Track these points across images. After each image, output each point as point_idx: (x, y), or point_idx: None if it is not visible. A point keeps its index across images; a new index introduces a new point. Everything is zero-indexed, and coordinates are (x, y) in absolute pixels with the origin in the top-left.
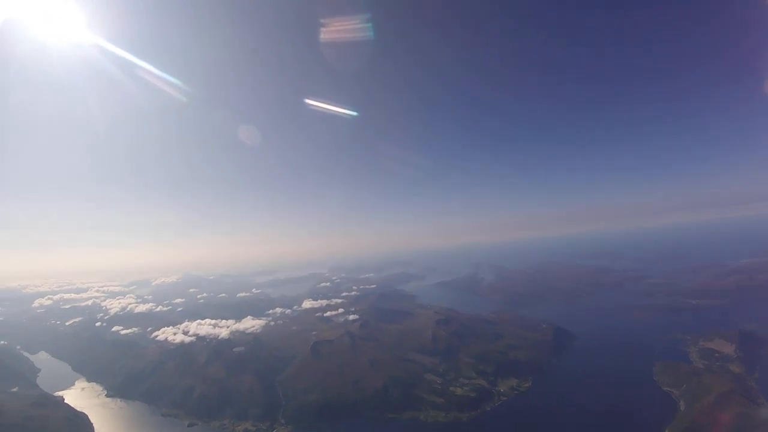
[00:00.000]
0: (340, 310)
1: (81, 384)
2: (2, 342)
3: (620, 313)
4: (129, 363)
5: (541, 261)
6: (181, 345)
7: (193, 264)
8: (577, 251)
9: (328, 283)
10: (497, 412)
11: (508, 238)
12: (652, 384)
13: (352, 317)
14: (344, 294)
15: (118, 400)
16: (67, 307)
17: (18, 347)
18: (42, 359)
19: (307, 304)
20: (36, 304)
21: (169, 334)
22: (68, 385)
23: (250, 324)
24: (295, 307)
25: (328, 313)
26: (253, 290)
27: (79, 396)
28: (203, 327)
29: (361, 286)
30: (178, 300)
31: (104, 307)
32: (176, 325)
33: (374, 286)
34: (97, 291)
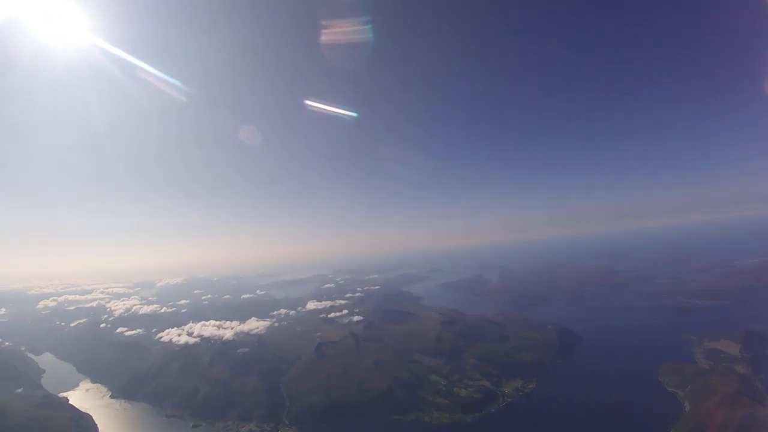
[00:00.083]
0: (345, 312)
1: (85, 385)
2: (7, 343)
3: (625, 313)
4: (133, 364)
5: (545, 262)
6: (186, 346)
7: (197, 266)
8: (581, 252)
9: (332, 285)
10: (502, 414)
11: (512, 239)
12: (657, 385)
13: (356, 318)
14: (348, 295)
15: (123, 401)
16: (71, 308)
17: (23, 348)
18: (47, 360)
19: (311, 305)
20: (41, 305)
21: (173, 335)
22: (73, 386)
23: (255, 325)
24: (299, 308)
25: (332, 315)
26: (257, 292)
27: (84, 397)
28: (207, 328)
29: (365, 288)
30: (183, 301)
31: (109, 309)
32: (180, 326)
33: (378, 287)
34: (102, 292)
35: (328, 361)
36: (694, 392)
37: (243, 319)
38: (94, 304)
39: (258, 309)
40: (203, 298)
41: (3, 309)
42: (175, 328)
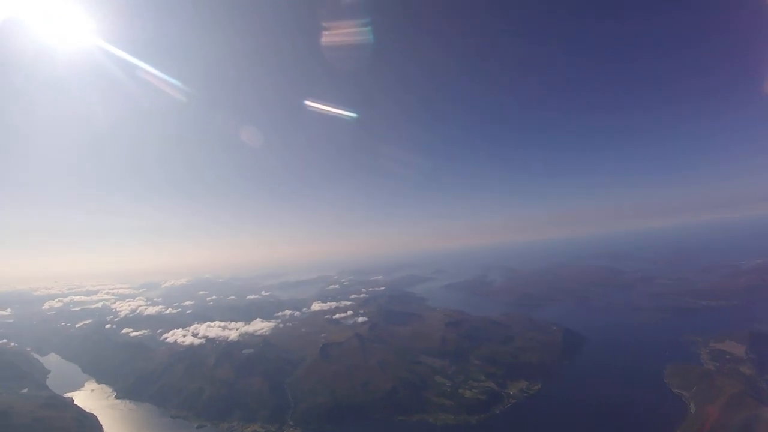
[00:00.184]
0: (349, 313)
1: (91, 385)
2: (12, 344)
3: (630, 314)
4: (138, 365)
5: (549, 262)
6: (191, 347)
7: (202, 267)
8: (585, 252)
9: (336, 286)
10: (506, 415)
11: (515, 240)
12: (662, 386)
13: (361, 319)
14: (353, 296)
15: (128, 401)
16: (77, 309)
17: (28, 349)
18: (52, 361)
19: (316, 306)
20: (46, 306)
21: (178, 336)
22: (78, 386)
23: (259, 326)
24: (304, 309)
25: (337, 316)
26: (262, 293)
27: (89, 397)
28: (212, 329)
29: (370, 289)
30: (188, 302)
31: (114, 310)
32: (186, 327)
33: (383, 288)
34: (107, 293)
35: (332, 362)
36: (699, 393)
37: (248, 320)
38: (100, 305)
39: (263, 310)
40: (208, 299)
41: (8, 310)
42: (181, 329)
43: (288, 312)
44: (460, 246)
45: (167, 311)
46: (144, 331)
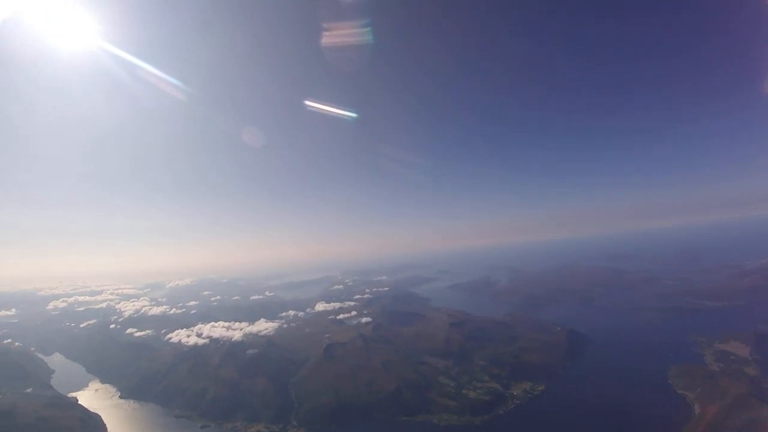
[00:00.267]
0: (353, 313)
1: (95, 385)
2: (17, 343)
3: (634, 314)
4: (143, 365)
5: (553, 263)
6: (195, 347)
7: (206, 267)
8: (589, 253)
9: (340, 286)
10: (510, 416)
11: (519, 240)
12: (666, 387)
13: (365, 320)
14: (357, 297)
15: (132, 401)
16: (81, 309)
17: (32, 349)
18: (56, 361)
19: (320, 306)
20: (51, 306)
21: (182, 336)
22: (82, 386)
23: (263, 326)
24: (308, 309)
25: (340, 316)
26: (266, 293)
27: (93, 397)
28: (216, 329)
29: (374, 289)
30: (192, 303)
31: (118, 310)
32: (190, 327)
33: (387, 288)
34: (112, 294)
35: (336, 363)
36: (704, 394)
37: (252, 321)
38: (104, 305)
39: (267, 310)
40: (212, 299)
41: (13, 310)
42: (185, 329)
43: (292, 312)
44: (463, 246)
45: (171, 311)
46: (148, 331)
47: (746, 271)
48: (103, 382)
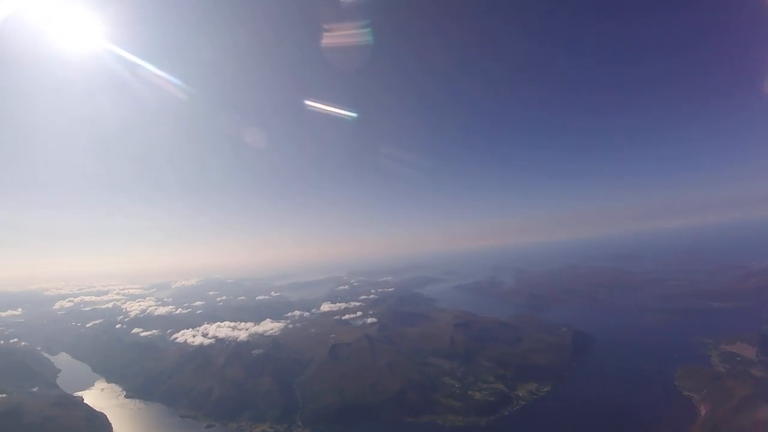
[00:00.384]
0: (359, 314)
1: (100, 385)
2: (23, 343)
3: (640, 315)
4: (148, 364)
5: (558, 263)
6: (200, 347)
7: (212, 267)
8: (594, 253)
9: (346, 287)
10: (516, 417)
11: (525, 241)
12: (672, 388)
13: (370, 320)
14: (362, 297)
15: (137, 401)
16: (87, 309)
17: (38, 348)
18: (62, 360)
19: (325, 307)
20: (57, 306)
21: (188, 336)
22: (88, 385)
23: (269, 327)
24: (313, 310)
25: (346, 316)
26: (272, 293)
27: (99, 397)
28: (222, 329)
29: (380, 290)
30: (198, 303)
31: (124, 310)
32: (195, 327)
33: (392, 289)
34: (118, 293)
35: (341, 363)
36: (710, 396)
37: (257, 321)
38: (110, 305)
39: (272, 310)
40: (218, 299)
41: (19, 309)
42: (190, 329)
43: (297, 312)
44: (469, 247)
45: (177, 311)
46: (154, 331)
47: (752, 271)
48: (108, 381)
